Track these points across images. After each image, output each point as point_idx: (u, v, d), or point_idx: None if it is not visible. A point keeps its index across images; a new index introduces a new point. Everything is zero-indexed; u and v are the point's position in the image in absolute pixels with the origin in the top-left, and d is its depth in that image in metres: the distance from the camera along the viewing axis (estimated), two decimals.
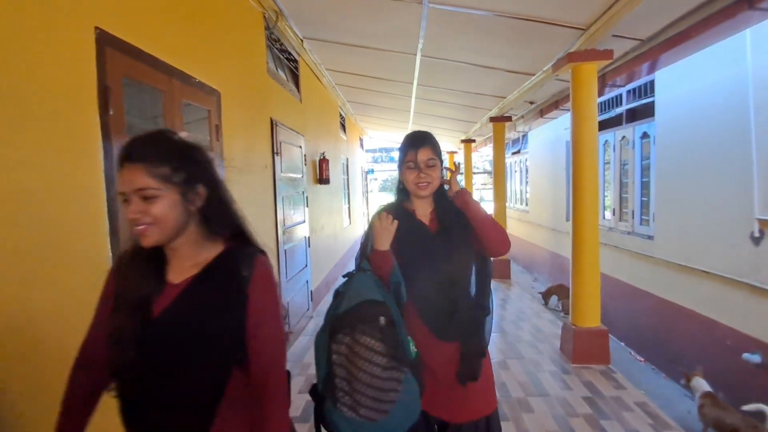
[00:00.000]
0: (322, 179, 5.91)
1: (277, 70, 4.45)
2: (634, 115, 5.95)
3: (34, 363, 1.44)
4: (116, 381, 1.05)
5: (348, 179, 9.27)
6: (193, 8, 2.63)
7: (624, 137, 6.20)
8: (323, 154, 6.06)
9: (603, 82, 4.56)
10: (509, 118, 7.49)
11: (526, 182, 10.98)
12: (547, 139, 9.01)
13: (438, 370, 1.54)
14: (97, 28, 1.75)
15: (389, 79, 6.03)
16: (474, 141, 10.83)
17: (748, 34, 3.78)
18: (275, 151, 4.07)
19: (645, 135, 5.71)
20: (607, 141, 6.58)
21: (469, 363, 1.53)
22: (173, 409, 1.03)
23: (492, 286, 1.64)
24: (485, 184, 21.59)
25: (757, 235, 3.75)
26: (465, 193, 1.58)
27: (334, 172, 6.95)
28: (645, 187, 5.80)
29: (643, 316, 5.48)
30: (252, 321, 1.06)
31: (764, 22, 3.29)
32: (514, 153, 11.79)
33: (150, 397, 1.03)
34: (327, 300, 2.90)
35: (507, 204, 8.60)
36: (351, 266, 1.91)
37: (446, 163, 1.87)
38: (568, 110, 5.51)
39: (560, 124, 7.94)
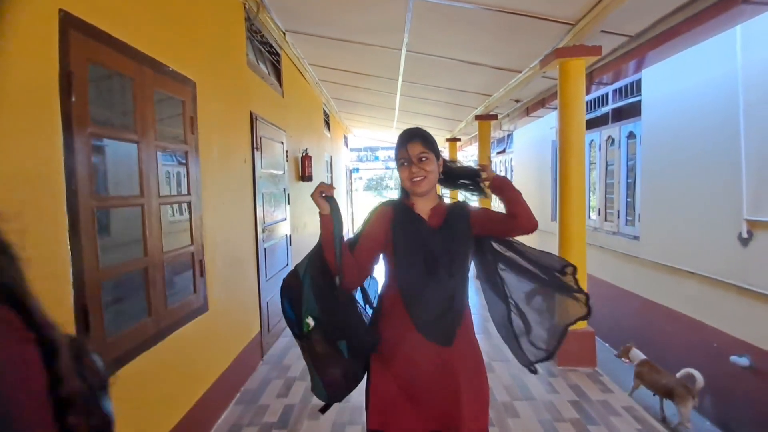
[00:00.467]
0: (305, 176, 5.77)
1: (257, 62, 4.29)
2: (620, 115, 5.90)
3: None
4: None
5: (332, 177, 9.14)
6: None
7: (610, 137, 6.16)
8: (306, 150, 5.91)
9: (590, 79, 4.49)
10: (495, 117, 7.43)
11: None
12: (533, 138, 8.98)
13: (416, 371, 1.51)
14: (61, 10, 1.63)
15: (374, 75, 5.90)
16: (459, 140, 10.76)
17: (739, 31, 3.73)
18: (255, 146, 3.91)
19: (631, 135, 5.68)
20: (592, 141, 6.54)
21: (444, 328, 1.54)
22: None
23: (473, 287, 1.60)
24: None
25: (745, 236, 3.71)
26: (502, 180, 1.62)
27: (318, 169, 6.81)
28: (630, 187, 5.76)
29: (628, 317, 5.45)
30: None
31: (755, 19, 3.24)
32: (499, 152, 11.77)
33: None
34: None
35: (492, 204, 8.53)
36: None
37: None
38: (555, 108, 5.46)
39: (546, 124, 7.91)
